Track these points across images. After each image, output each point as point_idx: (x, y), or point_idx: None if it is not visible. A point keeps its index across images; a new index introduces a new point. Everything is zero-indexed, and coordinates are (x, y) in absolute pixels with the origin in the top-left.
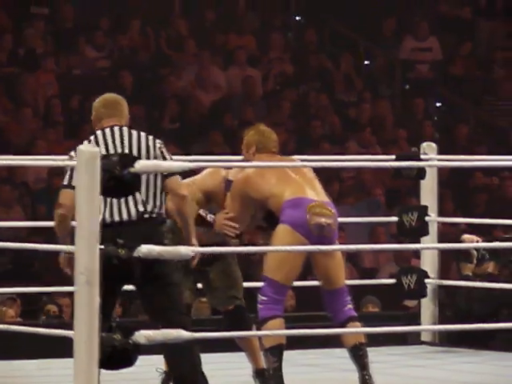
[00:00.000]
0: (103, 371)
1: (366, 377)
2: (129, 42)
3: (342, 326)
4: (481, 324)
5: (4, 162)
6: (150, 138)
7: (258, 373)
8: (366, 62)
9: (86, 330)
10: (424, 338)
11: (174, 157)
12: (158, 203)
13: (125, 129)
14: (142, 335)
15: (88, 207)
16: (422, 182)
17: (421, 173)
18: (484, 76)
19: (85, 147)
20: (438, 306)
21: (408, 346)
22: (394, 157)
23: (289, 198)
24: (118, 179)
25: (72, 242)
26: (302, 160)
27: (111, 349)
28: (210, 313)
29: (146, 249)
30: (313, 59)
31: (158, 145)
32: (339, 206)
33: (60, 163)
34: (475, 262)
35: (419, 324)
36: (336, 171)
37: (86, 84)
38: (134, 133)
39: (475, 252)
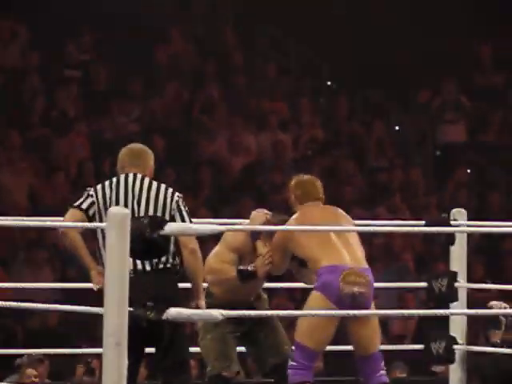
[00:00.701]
0: None
1: None
2: (161, 105)
3: None
4: None
5: (35, 223)
6: (170, 190)
7: None
8: (396, 128)
9: None
10: None
11: (205, 220)
12: (170, 254)
13: (146, 179)
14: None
15: (118, 268)
16: (451, 247)
17: (450, 238)
18: None
19: (116, 209)
20: (466, 372)
21: None
22: (423, 222)
23: (325, 264)
24: (148, 241)
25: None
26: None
27: None
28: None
29: (175, 311)
30: (344, 125)
31: (175, 198)
32: None
33: (89, 225)
34: (503, 328)
35: None
36: (366, 236)
37: (118, 147)
38: (154, 184)
39: (504, 319)
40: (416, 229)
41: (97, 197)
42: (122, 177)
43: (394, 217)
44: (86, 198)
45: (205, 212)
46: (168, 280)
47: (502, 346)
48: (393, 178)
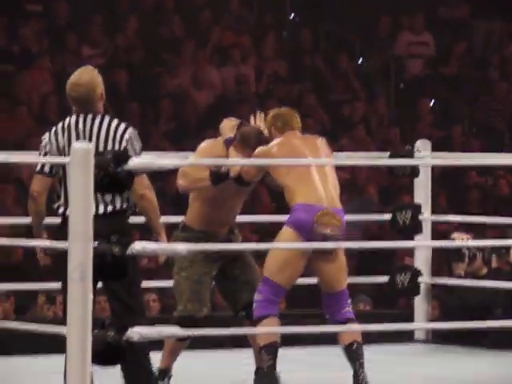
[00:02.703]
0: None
1: (361, 375)
2: (124, 40)
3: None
4: (473, 322)
5: None
6: (122, 126)
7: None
8: (360, 61)
9: (79, 327)
10: (417, 336)
11: (169, 153)
12: (124, 198)
13: (98, 117)
14: (136, 332)
15: (81, 204)
16: (415, 180)
17: (415, 171)
18: (479, 76)
19: (79, 144)
20: (430, 304)
21: (401, 344)
22: (387, 155)
23: (301, 201)
24: (111, 176)
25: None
26: None
27: (104, 345)
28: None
29: (140, 246)
30: (307, 58)
31: (126, 136)
32: None
33: (54, 160)
34: (467, 260)
35: (412, 322)
36: None
37: None
38: (106, 121)
39: (466, 251)
40: (380, 161)
41: (51, 145)
42: (73, 119)
43: (357, 149)
44: (44, 153)
45: (167, 145)
46: (119, 222)
47: (465, 278)
48: (356, 111)
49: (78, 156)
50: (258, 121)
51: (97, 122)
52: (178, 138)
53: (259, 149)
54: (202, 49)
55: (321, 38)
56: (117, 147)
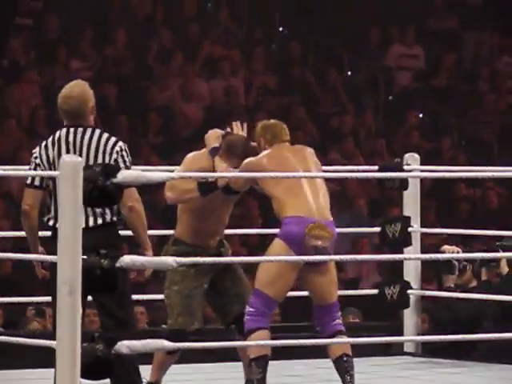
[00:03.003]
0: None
1: None
2: (113, 53)
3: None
4: (463, 335)
5: None
6: (112, 140)
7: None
8: (349, 73)
9: (68, 340)
10: (407, 348)
11: (159, 167)
12: (115, 210)
13: (88, 130)
14: (124, 345)
15: (71, 217)
16: (404, 192)
17: (404, 183)
18: (469, 88)
19: (68, 157)
20: (420, 316)
21: (391, 356)
22: (376, 167)
23: (292, 214)
24: (100, 190)
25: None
26: None
27: (93, 359)
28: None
29: (128, 259)
30: (296, 71)
31: (117, 147)
32: None
33: (43, 173)
34: (457, 273)
35: (402, 335)
36: None
37: None
38: (96, 134)
39: (456, 263)
40: (370, 174)
41: (41, 158)
42: (63, 132)
43: (347, 162)
44: (34, 167)
45: (156, 159)
46: (109, 235)
47: (455, 291)
48: (345, 123)
49: (67, 169)
50: (240, 130)
51: (87, 135)
52: (168, 151)
53: (248, 160)
54: (191, 62)
55: (310, 50)
56: (107, 160)
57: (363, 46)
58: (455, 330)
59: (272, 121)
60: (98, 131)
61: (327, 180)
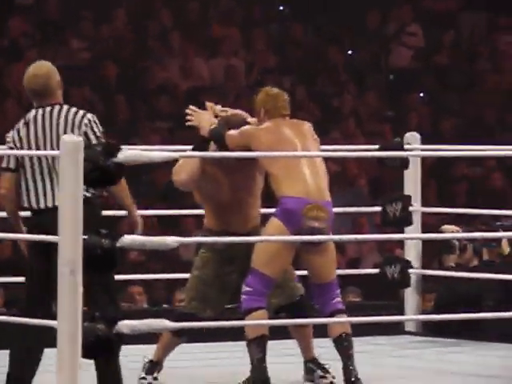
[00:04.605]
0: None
1: (350, 367)
2: (112, 32)
3: (329, 317)
4: (464, 314)
5: None
6: (79, 114)
7: (310, 361)
8: (349, 53)
9: (69, 320)
10: (408, 327)
11: (160, 147)
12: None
13: (55, 108)
14: (125, 325)
15: (72, 198)
16: (405, 172)
17: (404, 162)
18: (469, 68)
19: (68, 138)
20: (423, 296)
21: (392, 336)
22: (377, 147)
23: (289, 194)
24: (101, 169)
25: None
26: None
27: (94, 338)
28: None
29: (128, 239)
30: (296, 50)
31: (85, 121)
32: None
33: (41, 153)
34: (458, 252)
35: (403, 314)
36: None
37: (70, 75)
38: (63, 110)
39: (457, 242)
40: (370, 153)
41: (14, 141)
42: (32, 113)
43: (347, 142)
44: (10, 149)
45: (158, 138)
46: (90, 210)
47: (455, 270)
48: (345, 103)
49: (67, 149)
50: (212, 111)
51: (55, 112)
52: (169, 130)
53: (248, 126)
54: (191, 41)
55: (310, 30)
56: (76, 133)
57: (362, 25)
58: (456, 309)
59: (275, 90)
60: (65, 107)
61: (327, 159)
